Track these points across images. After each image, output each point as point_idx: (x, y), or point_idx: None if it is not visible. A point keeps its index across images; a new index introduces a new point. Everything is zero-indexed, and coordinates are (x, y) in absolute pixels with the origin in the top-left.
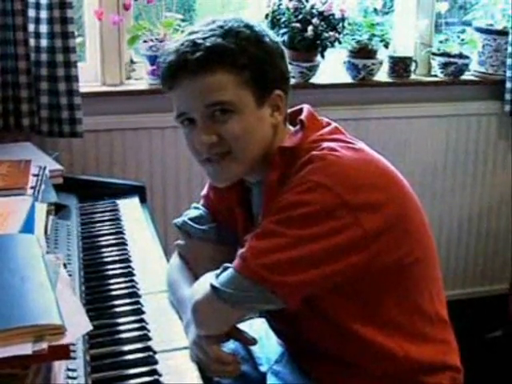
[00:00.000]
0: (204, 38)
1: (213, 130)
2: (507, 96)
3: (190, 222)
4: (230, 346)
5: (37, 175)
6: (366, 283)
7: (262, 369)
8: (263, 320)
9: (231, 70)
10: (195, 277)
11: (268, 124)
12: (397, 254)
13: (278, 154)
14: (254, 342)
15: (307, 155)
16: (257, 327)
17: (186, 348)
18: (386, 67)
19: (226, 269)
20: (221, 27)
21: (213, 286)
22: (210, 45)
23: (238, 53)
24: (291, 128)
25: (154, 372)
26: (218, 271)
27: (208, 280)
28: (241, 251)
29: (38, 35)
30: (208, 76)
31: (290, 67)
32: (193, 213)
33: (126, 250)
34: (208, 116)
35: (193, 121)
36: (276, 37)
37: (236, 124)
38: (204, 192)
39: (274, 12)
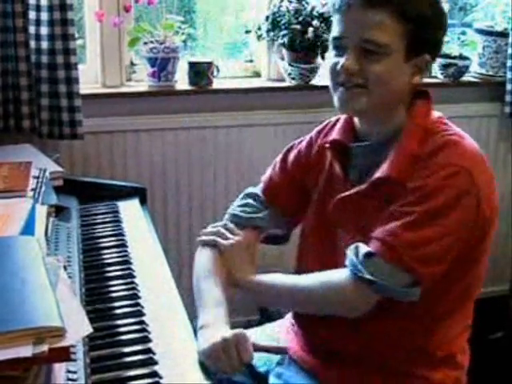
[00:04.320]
0: None
1: (359, 62)
2: (507, 98)
3: (241, 213)
4: None
5: (37, 177)
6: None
7: (262, 369)
8: (267, 326)
9: (397, 18)
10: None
11: (406, 80)
12: (480, 247)
13: (415, 128)
14: (285, 349)
15: (442, 139)
16: (256, 332)
17: (186, 349)
18: None
19: (368, 255)
20: None
21: (357, 271)
22: None
23: (411, 5)
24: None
25: (154, 374)
26: (357, 257)
27: (348, 264)
28: (386, 238)
29: (38, 37)
30: (375, 13)
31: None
32: (241, 203)
33: (126, 251)
34: (360, 49)
35: (344, 48)
36: (445, 11)
37: (381, 66)
38: (267, 175)
39: (274, 14)
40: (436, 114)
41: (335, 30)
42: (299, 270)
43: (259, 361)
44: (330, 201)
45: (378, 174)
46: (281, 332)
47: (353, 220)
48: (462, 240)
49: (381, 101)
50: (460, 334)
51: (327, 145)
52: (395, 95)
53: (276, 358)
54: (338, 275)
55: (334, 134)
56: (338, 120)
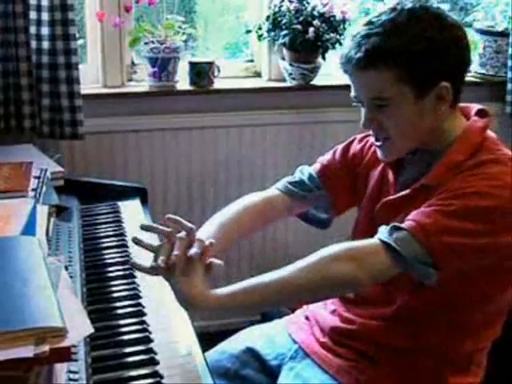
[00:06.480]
0: (369, 36)
1: (374, 117)
2: (508, 97)
3: (287, 184)
4: (232, 351)
5: (38, 177)
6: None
7: (273, 362)
8: (277, 321)
9: (390, 67)
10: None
11: (430, 114)
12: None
13: (467, 144)
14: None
15: (491, 155)
16: (267, 327)
17: (188, 349)
18: None
19: (397, 228)
20: (392, 21)
21: (384, 237)
22: (370, 47)
23: (398, 52)
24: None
25: (155, 374)
26: (386, 230)
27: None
28: (423, 219)
29: (39, 37)
30: (369, 72)
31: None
32: (292, 180)
33: (127, 251)
34: (371, 105)
35: (362, 104)
36: (457, 22)
37: (394, 116)
38: (325, 158)
39: (275, 14)
40: (491, 133)
41: (352, 91)
42: None
43: (271, 355)
44: (378, 202)
45: (422, 181)
46: (292, 327)
47: (396, 222)
48: (492, 251)
49: (409, 145)
50: (484, 348)
51: None
52: (425, 131)
53: (289, 352)
54: (366, 241)
55: None
56: None
